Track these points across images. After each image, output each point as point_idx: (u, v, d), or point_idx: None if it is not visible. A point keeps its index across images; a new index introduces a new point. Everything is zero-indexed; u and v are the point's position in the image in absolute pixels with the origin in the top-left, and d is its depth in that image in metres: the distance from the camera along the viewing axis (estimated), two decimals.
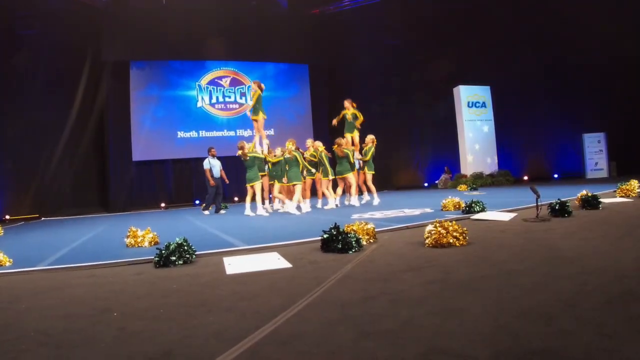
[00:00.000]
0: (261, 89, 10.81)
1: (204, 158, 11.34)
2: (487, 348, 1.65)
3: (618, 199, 7.08)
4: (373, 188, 10.58)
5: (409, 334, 1.85)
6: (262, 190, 10.08)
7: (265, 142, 10.74)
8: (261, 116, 10.80)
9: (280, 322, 2.11)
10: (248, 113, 11.14)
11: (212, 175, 11.13)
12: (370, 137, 10.68)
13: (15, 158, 14.33)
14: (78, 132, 15.91)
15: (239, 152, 9.63)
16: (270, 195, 10.73)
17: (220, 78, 18.01)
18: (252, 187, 9.72)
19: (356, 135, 11.07)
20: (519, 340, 1.70)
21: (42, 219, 14.41)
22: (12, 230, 10.12)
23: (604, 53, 16.00)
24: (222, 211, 11.38)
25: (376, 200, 10.37)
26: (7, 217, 13.88)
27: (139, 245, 5.28)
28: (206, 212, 11.20)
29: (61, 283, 3.49)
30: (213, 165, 11.24)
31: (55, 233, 8.82)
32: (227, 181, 11.65)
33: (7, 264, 4.49)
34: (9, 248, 5.53)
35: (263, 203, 10.16)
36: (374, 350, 1.72)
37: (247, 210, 9.78)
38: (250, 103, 11.19)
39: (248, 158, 9.56)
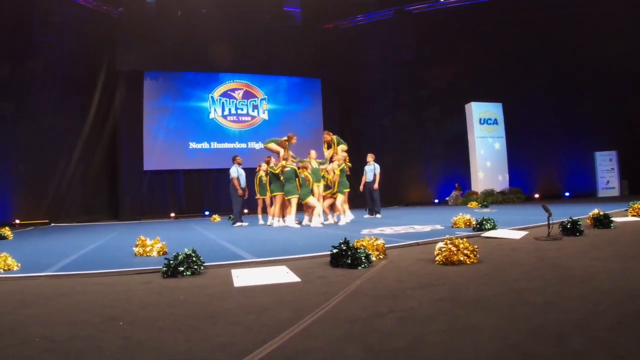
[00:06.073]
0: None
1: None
2: None
3: (630, 218, 7.03)
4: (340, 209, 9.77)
5: (418, 353, 1.82)
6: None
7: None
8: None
9: (287, 337, 2.08)
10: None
11: (239, 185, 10.51)
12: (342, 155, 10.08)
13: (27, 163, 14.50)
14: (91, 139, 16.14)
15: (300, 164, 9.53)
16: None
17: (233, 90, 18.18)
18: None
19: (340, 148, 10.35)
20: (530, 359, 1.66)
21: (52, 224, 14.53)
22: (22, 235, 10.20)
23: (616, 70, 15.94)
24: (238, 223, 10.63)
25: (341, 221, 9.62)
26: (17, 221, 14.02)
27: (148, 254, 5.26)
28: (245, 224, 10.46)
29: (68, 289, 3.49)
30: (241, 174, 10.65)
31: (65, 239, 8.87)
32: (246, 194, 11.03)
33: (15, 268, 4.51)
34: (18, 252, 5.56)
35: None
36: None
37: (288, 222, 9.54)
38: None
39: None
